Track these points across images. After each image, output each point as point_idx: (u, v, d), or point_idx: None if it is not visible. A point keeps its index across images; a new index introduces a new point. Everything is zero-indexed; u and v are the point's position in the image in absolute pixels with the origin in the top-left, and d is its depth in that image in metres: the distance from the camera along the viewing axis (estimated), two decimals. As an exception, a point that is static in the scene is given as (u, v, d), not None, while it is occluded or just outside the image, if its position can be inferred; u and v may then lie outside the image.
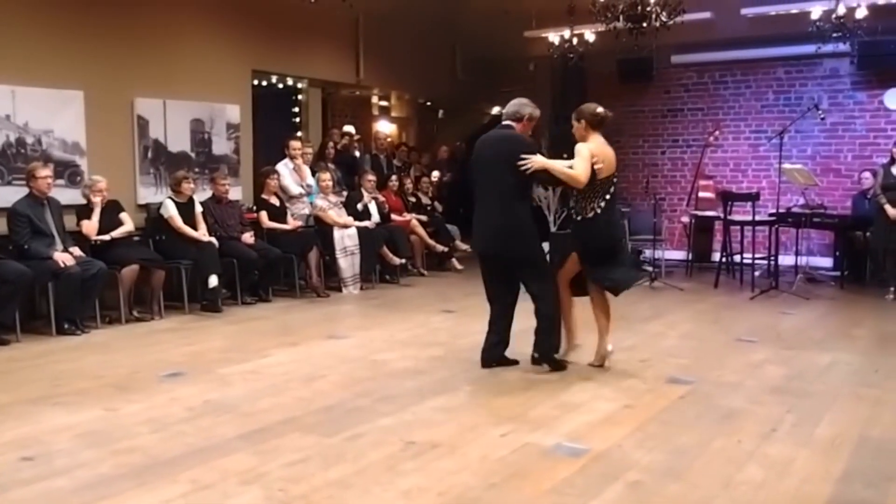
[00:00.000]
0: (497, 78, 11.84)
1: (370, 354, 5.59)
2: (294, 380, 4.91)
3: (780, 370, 5.17)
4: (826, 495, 3.19)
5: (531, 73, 11.70)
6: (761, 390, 4.69)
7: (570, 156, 5.00)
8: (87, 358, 5.51)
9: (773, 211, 8.94)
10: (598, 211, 4.95)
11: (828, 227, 9.26)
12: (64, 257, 6.14)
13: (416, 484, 3.28)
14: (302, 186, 8.55)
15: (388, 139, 11.62)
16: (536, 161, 4.83)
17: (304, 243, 8.10)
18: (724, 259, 9.16)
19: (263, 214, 8.12)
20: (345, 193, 9.07)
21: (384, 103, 12.87)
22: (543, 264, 5.11)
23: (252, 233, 7.79)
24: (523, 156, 4.81)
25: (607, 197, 4.97)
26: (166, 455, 3.61)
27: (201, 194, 7.76)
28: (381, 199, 9.26)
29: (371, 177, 9.16)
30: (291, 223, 8.25)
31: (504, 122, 5.07)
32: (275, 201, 8.25)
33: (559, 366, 5.04)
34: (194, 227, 7.29)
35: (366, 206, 8.92)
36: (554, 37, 9.88)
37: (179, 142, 8.04)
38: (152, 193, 7.74)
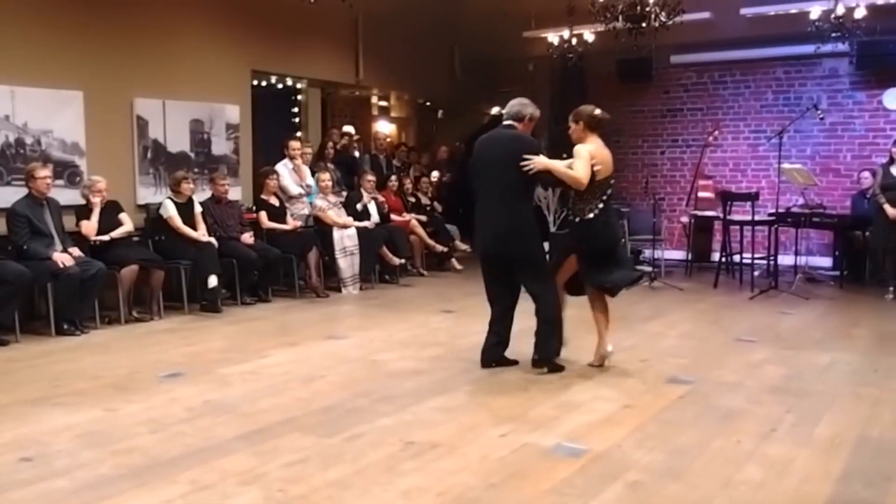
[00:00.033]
0: (496, 78, 11.84)
1: (369, 355, 5.59)
2: (293, 380, 4.90)
3: (780, 370, 5.18)
4: (825, 495, 3.19)
5: (530, 73, 11.70)
6: (761, 390, 4.69)
7: (570, 156, 5.01)
8: (86, 358, 5.51)
9: (773, 211, 8.95)
10: (597, 212, 4.96)
11: (827, 226, 9.27)
12: (63, 258, 6.13)
13: (415, 484, 3.28)
14: (301, 187, 8.55)
15: (388, 139, 11.62)
16: (539, 162, 4.83)
17: (303, 243, 8.10)
18: (723, 259, 9.16)
19: (263, 215, 8.12)
20: (344, 194, 9.07)
21: (383, 103, 12.87)
22: (544, 266, 5.10)
23: (251, 233, 7.79)
24: (526, 156, 4.82)
25: (604, 198, 4.99)
26: (166, 455, 3.60)
27: (201, 194, 7.76)
28: (381, 199, 9.26)
29: (370, 177, 9.16)
30: (291, 223, 8.25)
31: (506, 122, 5.06)
32: (274, 201, 8.25)
33: (558, 368, 5.03)
34: (194, 228, 7.28)
35: (365, 207, 8.92)
36: (553, 37, 9.88)
37: (179, 142, 8.04)
38: (152, 194, 7.74)
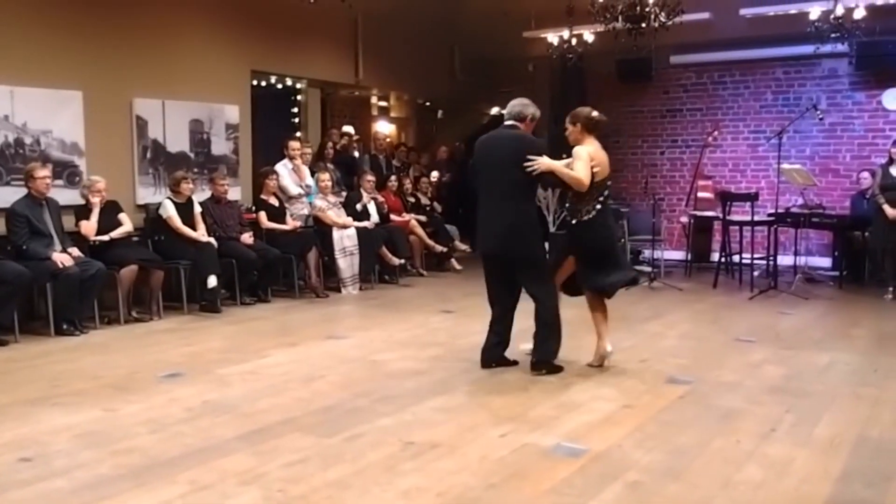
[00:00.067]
0: (496, 78, 11.84)
1: (369, 355, 5.59)
2: (293, 380, 4.90)
3: (779, 370, 5.18)
4: (825, 495, 3.19)
5: (530, 73, 11.70)
6: (760, 390, 4.69)
7: (569, 156, 5.01)
8: (85, 358, 5.51)
9: (772, 211, 8.95)
10: (594, 213, 4.98)
11: (826, 227, 9.27)
12: (62, 258, 6.13)
13: (415, 484, 3.28)
14: (301, 187, 8.55)
15: (388, 139, 11.62)
16: (543, 163, 4.83)
17: (303, 244, 8.09)
18: (722, 259, 9.16)
19: (262, 215, 8.12)
20: (344, 194, 9.07)
21: (383, 103, 12.87)
22: (545, 267, 5.09)
23: (251, 233, 7.79)
24: (530, 157, 4.82)
25: (601, 199, 5.01)
26: (165, 456, 3.60)
27: (200, 194, 7.76)
28: (380, 199, 9.25)
29: (370, 177, 9.16)
30: (290, 223, 8.25)
31: (508, 122, 5.06)
32: (274, 202, 8.25)
33: (557, 368, 5.03)
34: (193, 228, 7.28)
35: (365, 207, 8.92)
36: (553, 37, 9.88)
37: (178, 142, 8.04)
38: (151, 194, 7.74)
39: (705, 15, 9.88)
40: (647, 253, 9.86)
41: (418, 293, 8.48)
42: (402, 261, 9.13)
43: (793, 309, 7.40)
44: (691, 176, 10.62)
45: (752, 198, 8.69)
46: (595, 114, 5.09)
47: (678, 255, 10.47)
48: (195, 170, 8.09)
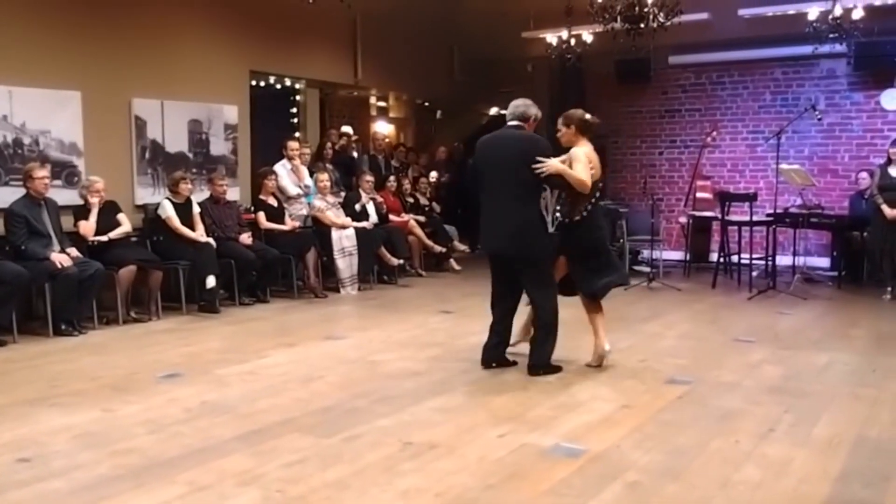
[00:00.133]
0: (495, 79, 11.84)
1: (368, 355, 5.59)
2: (292, 381, 4.90)
3: (778, 370, 5.18)
4: (824, 495, 3.19)
5: (529, 73, 11.70)
6: (759, 390, 4.70)
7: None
8: (84, 359, 5.50)
9: (771, 211, 8.96)
10: (585, 214, 5.02)
11: (825, 227, 9.28)
12: (61, 258, 6.13)
13: (414, 485, 3.27)
14: (300, 187, 8.54)
15: (387, 140, 11.61)
16: (552, 165, 4.84)
17: (301, 244, 8.09)
18: (721, 259, 9.17)
19: (261, 215, 8.12)
20: (343, 194, 9.07)
21: (382, 104, 12.87)
22: (548, 269, 5.07)
23: (250, 233, 7.79)
24: (539, 158, 4.82)
25: (593, 200, 5.05)
26: (164, 456, 3.60)
27: (199, 195, 7.76)
28: (379, 199, 9.25)
29: (369, 177, 9.16)
30: (289, 224, 8.24)
31: (513, 123, 5.05)
32: (273, 202, 8.25)
33: (555, 369, 5.04)
34: (192, 228, 7.28)
35: (364, 207, 8.91)
36: (552, 37, 9.88)
37: (177, 142, 8.03)
38: (150, 194, 7.73)
39: (704, 15, 9.89)
40: (645, 253, 9.87)
41: (417, 293, 8.48)
42: (401, 261, 9.13)
43: (791, 309, 7.41)
44: (690, 176, 10.62)
45: (751, 198, 8.69)
46: (588, 116, 5.14)
47: (677, 255, 10.47)
48: (194, 170, 8.08)
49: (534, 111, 5.06)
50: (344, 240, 8.34)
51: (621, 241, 9.46)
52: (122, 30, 7.47)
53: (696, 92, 11.17)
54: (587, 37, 9.54)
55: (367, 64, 10.41)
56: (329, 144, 9.57)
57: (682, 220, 10.41)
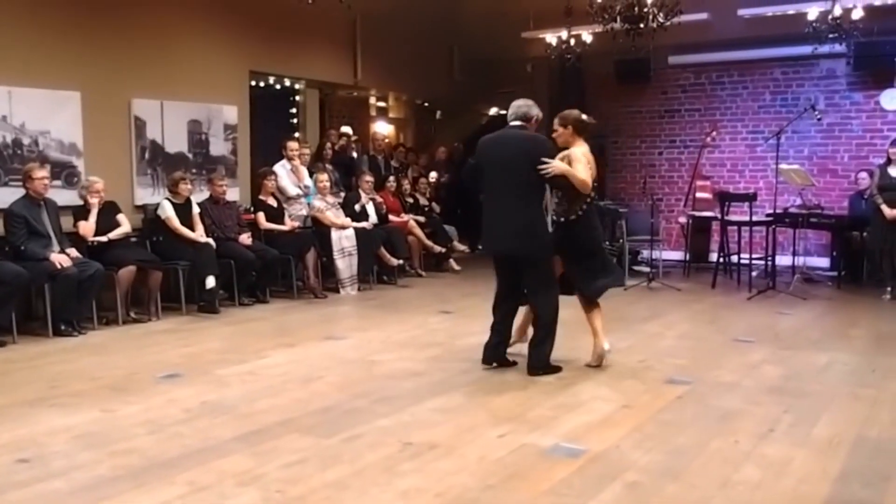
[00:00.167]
0: (495, 79, 11.84)
1: (368, 355, 5.59)
2: (291, 381, 4.90)
3: (778, 370, 5.18)
4: (823, 495, 3.19)
5: (529, 74, 11.70)
6: (758, 390, 4.70)
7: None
8: (83, 359, 5.50)
9: (771, 211, 8.96)
10: (580, 213, 5.03)
11: (825, 227, 9.28)
12: (61, 258, 6.13)
13: (413, 485, 3.27)
14: (299, 187, 8.54)
15: (386, 140, 11.61)
16: (557, 166, 4.85)
17: (301, 244, 8.09)
18: (721, 259, 9.17)
19: (261, 215, 8.12)
20: (342, 194, 9.07)
21: (382, 104, 12.87)
22: (551, 269, 5.06)
23: (249, 234, 7.79)
24: (545, 160, 4.83)
25: (588, 200, 5.06)
26: (163, 456, 3.60)
27: (199, 195, 7.76)
28: (379, 199, 9.25)
29: (369, 178, 9.16)
30: (289, 224, 8.24)
31: (515, 123, 5.05)
32: (272, 202, 8.25)
33: (555, 369, 5.04)
34: (191, 228, 7.27)
35: (363, 207, 8.91)
36: (551, 38, 9.88)
37: (177, 143, 8.03)
38: (149, 194, 7.73)
39: (703, 15, 9.89)
40: (645, 253, 9.87)
41: (417, 294, 8.48)
42: (401, 261, 9.12)
43: (791, 309, 7.41)
44: (689, 176, 10.62)
45: (751, 198, 8.70)
46: (584, 116, 5.17)
47: (676, 255, 10.47)
48: (193, 170, 8.08)
49: (536, 111, 5.08)
50: (343, 240, 8.34)
51: (621, 241, 9.46)
52: (122, 30, 7.46)
53: (695, 92, 11.17)
54: (587, 37, 9.54)
55: (366, 64, 10.41)
56: (329, 145, 9.57)
57: (682, 220, 10.41)
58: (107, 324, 6.57)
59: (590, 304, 5.16)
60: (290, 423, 4.08)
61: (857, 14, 8.04)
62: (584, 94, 11.19)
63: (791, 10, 9.19)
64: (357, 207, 8.84)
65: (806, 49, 8.75)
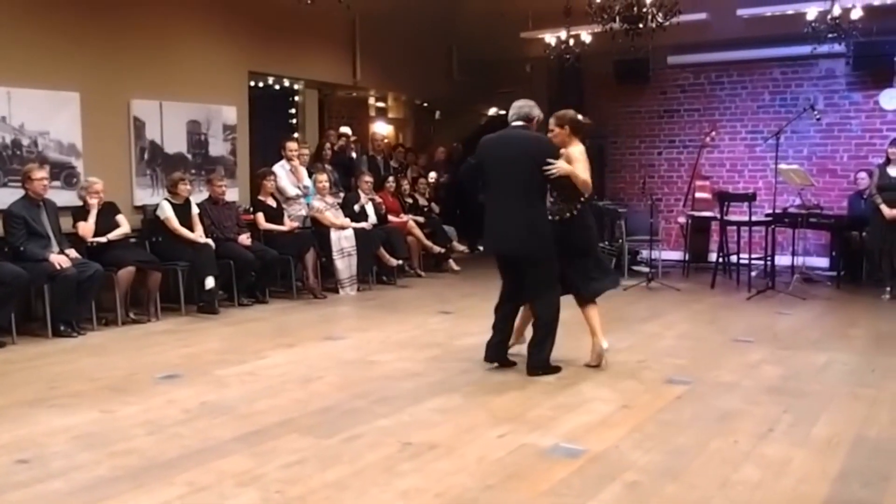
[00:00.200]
0: (494, 79, 11.84)
1: (367, 356, 5.59)
2: (291, 381, 4.90)
3: (777, 370, 5.18)
4: (823, 495, 3.20)
5: (528, 74, 11.70)
6: (758, 390, 4.70)
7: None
8: (83, 360, 5.50)
9: (770, 211, 8.96)
10: (575, 213, 5.05)
11: (824, 227, 9.28)
12: (60, 259, 6.12)
13: (413, 485, 3.27)
14: (299, 188, 8.54)
15: (385, 140, 11.61)
16: (562, 167, 4.86)
17: (300, 244, 8.09)
18: (720, 259, 9.17)
19: (260, 216, 8.11)
20: (342, 195, 9.07)
21: (381, 104, 12.87)
22: (553, 269, 5.05)
23: (249, 234, 7.78)
24: (550, 160, 4.84)
25: (583, 200, 5.07)
26: (163, 457, 3.60)
27: (198, 196, 7.75)
28: (378, 200, 9.25)
29: (368, 178, 9.16)
30: (288, 224, 8.24)
31: (517, 123, 5.05)
32: (271, 203, 8.25)
33: (554, 369, 5.04)
34: (191, 229, 7.27)
35: (363, 208, 8.91)
36: (550, 38, 9.88)
37: (176, 143, 8.03)
38: (149, 195, 7.73)
39: (702, 15, 9.89)
40: (644, 253, 9.86)
41: (416, 294, 8.48)
42: (400, 262, 9.12)
43: (790, 309, 7.41)
44: (689, 176, 10.62)
45: (750, 198, 8.70)
46: (580, 116, 5.21)
47: (676, 255, 10.47)
48: (193, 171, 8.08)
49: (537, 112, 5.10)
50: (343, 240, 8.34)
51: (620, 241, 9.47)
52: (121, 31, 7.46)
53: (694, 92, 11.16)
54: (586, 37, 9.54)
55: (365, 64, 10.41)
56: (328, 145, 9.58)
57: (681, 220, 10.41)
58: (106, 324, 6.57)
59: (585, 303, 5.17)
60: (289, 423, 4.08)
61: (857, 14, 8.04)
62: (583, 94, 11.19)
63: (790, 9, 9.19)
64: (356, 208, 8.84)
65: (805, 49, 8.75)
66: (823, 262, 9.87)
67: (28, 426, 4.03)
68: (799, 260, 9.14)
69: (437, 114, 13.81)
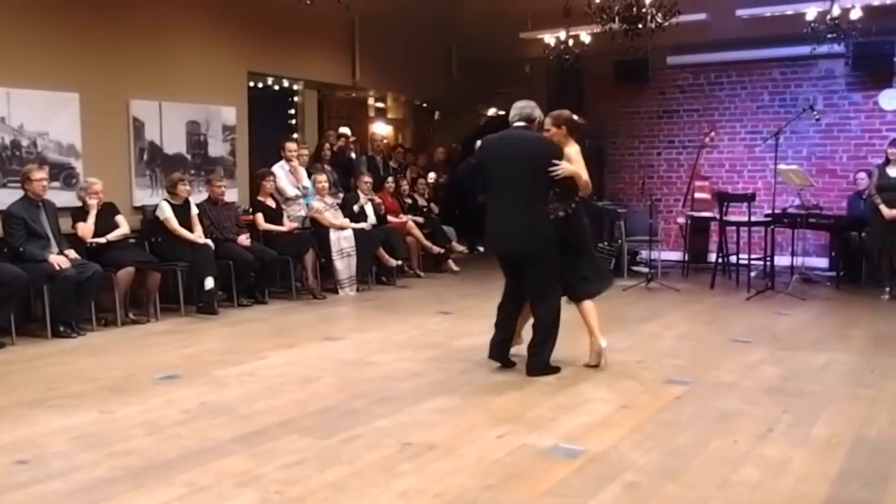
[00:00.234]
0: (493, 79, 11.85)
1: (366, 356, 5.59)
2: (290, 382, 4.90)
3: (776, 370, 5.18)
4: (822, 495, 3.20)
5: (527, 74, 11.71)
6: (757, 391, 4.70)
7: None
8: (82, 360, 5.50)
9: (769, 212, 8.96)
10: (569, 211, 5.07)
11: (823, 227, 9.28)
12: (59, 260, 6.12)
13: (412, 485, 3.27)
14: (298, 188, 8.54)
15: (385, 141, 11.62)
16: (567, 168, 4.87)
17: (300, 245, 8.09)
18: (720, 260, 9.17)
19: (259, 216, 8.11)
20: (341, 195, 9.07)
21: (380, 105, 12.87)
22: (554, 270, 5.05)
23: (248, 235, 7.78)
24: (555, 161, 4.84)
25: (577, 199, 5.09)
26: (162, 457, 3.60)
27: (197, 196, 7.75)
28: (378, 200, 9.25)
29: (367, 178, 9.16)
30: (287, 225, 8.24)
31: (519, 124, 5.05)
32: (271, 203, 8.24)
33: (554, 370, 5.04)
34: (190, 230, 7.27)
35: (362, 208, 8.91)
36: (550, 38, 9.88)
37: (175, 144, 8.03)
38: (148, 195, 7.73)
39: (702, 16, 9.90)
40: (644, 254, 9.87)
41: (415, 294, 8.48)
42: (399, 262, 9.12)
43: (790, 309, 7.41)
44: (688, 177, 10.62)
45: (749, 198, 8.70)
46: (576, 116, 5.23)
47: (675, 255, 10.47)
48: (192, 171, 8.08)
49: (538, 113, 5.11)
50: (342, 241, 8.34)
51: (619, 241, 9.47)
52: (121, 31, 7.46)
53: (694, 92, 11.17)
54: (585, 37, 9.54)
55: (365, 65, 10.41)
56: (327, 145, 9.58)
57: (681, 220, 10.41)
58: (105, 325, 6.57)
59: (578, 301, 5.17)
60: (288, 423, 4.08)
61: (856, 14, 8.05)
62: (582, 94, 11.19)
63: (789, 10, 9.20)
64: (356, 208, 8.84)
65: (804, 49, 8.75)
66: (823, 262, 9.88)
67: (27, 427, 4.03)
68: (798, 260, 9.14)
69: (437, 114, 13.81)
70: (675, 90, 11.28)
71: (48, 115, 6.87)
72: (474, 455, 3.62)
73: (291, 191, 8.48)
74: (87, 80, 7.16)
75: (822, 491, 3.23)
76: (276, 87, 9.91)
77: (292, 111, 10.28)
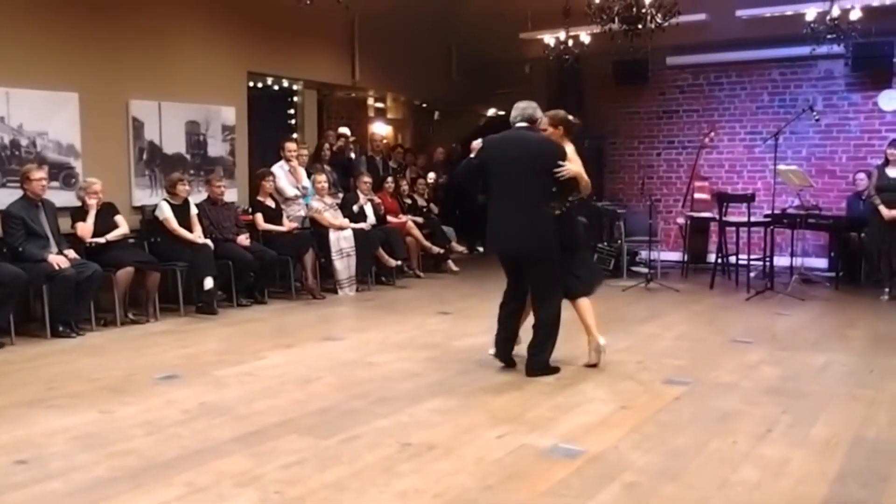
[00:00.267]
0: (493, 80, 11.85)
1: (366, 356, 5.59)
2: (289, 382, 4.90)
3: (776, 371, 5.18)
4: (821, 496, 3.20)
5: (527, 74, 11.71)
6: (757, 391, 4.70)
7: None
8: (81, 360, 5.50)
9: (769, 212, 8.96)
10: (563, 210, 5.06)
11: (823, 228, 9.28)
12: (58, 259, 6.12)
13: (412, 486, 3.27)
14: (298, 188, 8.54)
15: (384, 141, 11.61)
16: (571, 169, 4.89)
17: (299, 245, 8.09)
18: (719, 260, 9.17)
19: (259, 216, 8.11)
20: (340, 195, 9.07)
21: (380, 105, 12.87)
22: (556, 270, 5.05)
23: (247, 235, 7.78)
24: (560, 163, 4.85)
25: (571, 198, 5.10)
26: (161, 457, 3.60)
27: (197, 196, 7.75)
28: (377, 200, 9.25)
29: (367, 178, 9.16)
30: (287, 225, 8.24)
31: (521, 124, 5.05)
32: (270, 203, 8.24)
33: (553, 370, 5.04)
34: (189, 229, 7.27)
35: (361, 208, 8.91)
36: (549, 38, 9.89)
37: (175, 144, 8.03)
38: (147, 195, 7.73)
39: (701, 16, 9.90)
40: (643, 254, 9.87)
41: (415, 295, 8.48)
42: (399, 262, 9.12)
43: (789, 310, 7.41)
44: (688, 177, 10.62)
45: (749, 199, 8.70)
46: (571, 117, 5.25)
47: (675, 256, 10.48)
48: (191, 171, 8.08)
49: (540, 114, 5.13)
50: (342, 241, 8.34)
51: (619, 241, 9.47)
52: (120, 31, 7.46)
53: (693, 93, 11.17)
54: (585, 38, 9.55)
55: (364, 65, 10.41)
56: (327, 146, 9.57)
57: (680, 220, 10.41)
58: (105, 325, 6.57)
59: (571, 299, 5.17)
60: (288, 423, 4.08)
61: (856, 15, 8.05)
62: (582, 94, 11.20)
63: (789, 10, 9.20)
64: (355, 208, 8.84)
65: (804, 50, 8.76)
66: (822, 262, 9.88)
67: (27, 427, 4.02)
68: (798, 261, 9.14)
69: (436, 114, 13.81)
70: (674, 90, 11.28)
71: (48, 115, 6.87)
72: (474, 455, 3.62)
73: (291, 191, 8.48)
74: (87, 79, 7.15)
75: (821, 491, 3.23)
76: (276, 87, 9.91)
77: (292, 111, 10.27)
